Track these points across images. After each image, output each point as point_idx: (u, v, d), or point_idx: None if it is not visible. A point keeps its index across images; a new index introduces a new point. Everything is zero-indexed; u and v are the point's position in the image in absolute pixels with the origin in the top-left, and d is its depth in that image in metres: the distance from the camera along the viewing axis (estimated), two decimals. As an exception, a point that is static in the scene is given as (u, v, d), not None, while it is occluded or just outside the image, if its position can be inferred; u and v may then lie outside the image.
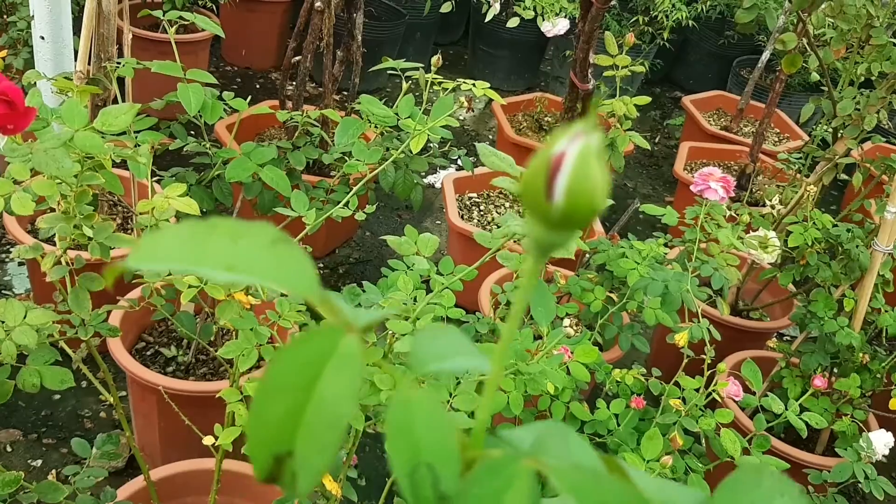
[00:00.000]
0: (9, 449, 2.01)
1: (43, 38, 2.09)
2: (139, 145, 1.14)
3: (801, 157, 2.43)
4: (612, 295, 1.77)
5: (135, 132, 1.35)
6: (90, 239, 0.97)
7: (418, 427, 0.29)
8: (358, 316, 0.30)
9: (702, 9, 3.60)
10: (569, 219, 0.29)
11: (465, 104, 1.37)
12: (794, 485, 0.31)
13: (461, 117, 3.90)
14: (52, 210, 1.14)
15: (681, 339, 1.42)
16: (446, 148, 1.89)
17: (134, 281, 1.21)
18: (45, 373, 1.00)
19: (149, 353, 1.97)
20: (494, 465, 0.28)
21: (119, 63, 1.70)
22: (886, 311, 2.00)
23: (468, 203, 2.82)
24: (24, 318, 0.97)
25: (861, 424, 1.90)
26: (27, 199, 0.85)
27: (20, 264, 2.54)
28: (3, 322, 0.96)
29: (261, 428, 0.27)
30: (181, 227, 0.29)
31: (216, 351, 1.93)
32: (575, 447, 0.30)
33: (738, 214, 1.83)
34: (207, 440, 1.19)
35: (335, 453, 0.28)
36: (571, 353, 1.36)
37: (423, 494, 0.28)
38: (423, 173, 2.01)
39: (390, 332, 0.99)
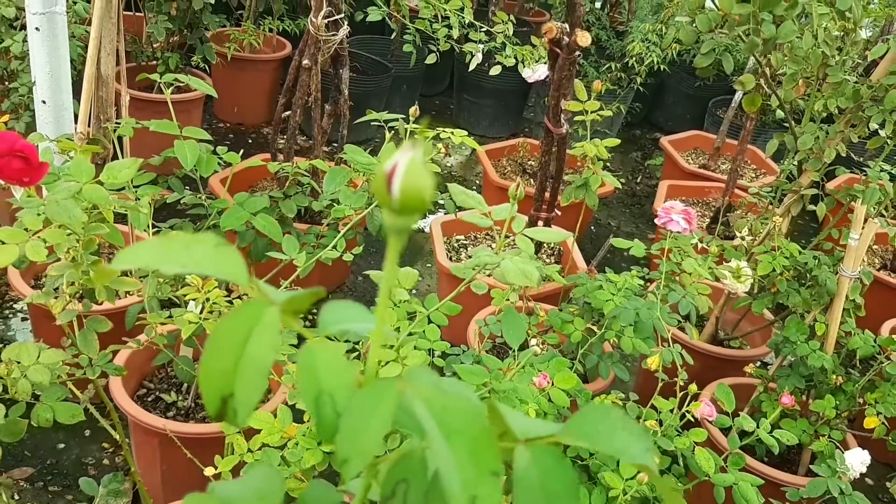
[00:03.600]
0: (16, 497, 2.07)
1: (44, 102, 2.20)
2: (139, 199, 1.23)
3: (771, 191, 2.54)
4: (592, 328, 1.86)
5: (135, 186, 1.44)
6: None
7: (320, 368, 0.40)
8: (279, 295, 0.40)
9: (673, 54, 3.75)
10: (406, 207, 0.41)
11: (444, 151, 1.47)
12: (635, 422, 0.40)
13: (449, 164, 4.02)
14: (58, 260, 1.23)
15: (653, 362, 1.50)
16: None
17: (138, 323, 1.30)
18: (57, 408, 1.08)
19: (150, 398, 2.04)
20: (375, 387, 0.38)
21: (118, 123, 1.81)
22: (857, 335, 2.08)
23: (456, 245, 2.92)
24: (38, 358, 1.05)
25: (839, 444, 1.97)
26: (40, 246, 0.94)
27: (23, 319, 2.62)
28: (18, 362, 1.05)
29: (209, 377, 0.38)
30: (152, 241, 0.39)
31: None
32: (446, 383, 0.40)
33: (707, 246, 1.93)
34: (208, 471, 1.26)
35: (262, 393, 0.38)
36: (552, 380, 1.44)
37: (324, 413, 0.39)
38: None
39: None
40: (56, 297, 1.07)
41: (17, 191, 0.95)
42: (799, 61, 1.84)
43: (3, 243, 0.91)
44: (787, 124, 2.23)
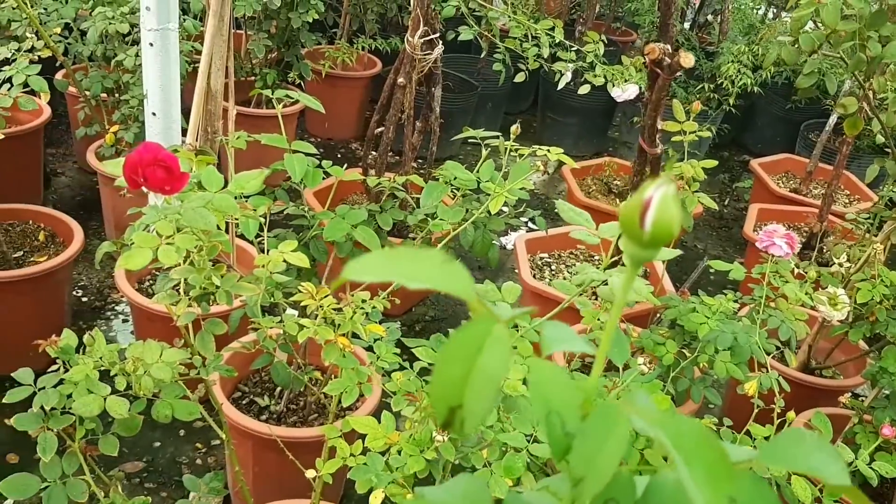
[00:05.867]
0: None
1: (154, 114, 2.31)
2: (256, 209, 1.29)
3: (869, 217, 2.47)
4: (683, 350, 1.84)
5: (245, 197, 1.51)
6: (217, 287, 1.12)
7: (548, 387, 0.41)
8: (502, 312, 0.42)
9: (766, 76, 3.69)
10: (655, 241, 0.43)
11: (542, 168, 1.50)
12: (830, 445, 0.41)
13: (532, 181, 4.04)
14: (165, 267, 1.30)
15: (750, 388, 1.48)
16: (521, 209, 2.01)
17: (250, 326, 1.35)
18: (175, 405, 1.14)
19: (244, 402, 2.11)
20: (604, 410, 0.40)
21: (225, 137, 1.89)
22: (960, 368, 2.01)
23: (540, 263, 2.93)
24: (161, 356, 1.11)
25: (938, 480, 1.90)
26: (171, 250, 0.99)
27: (124, 321, 2.74)
28: (142, 360, 1.11)
29: (439, 388, 0.39)
30: (376, 255, 0.41)
31: (307, 399, 2.06)
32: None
33: (805, 272, 1.89)
34: (309, 473, 1.30)
35: (492, 405, 0.40)
36: (644, 401, 1.43)
37: (555, 433, 0.40)
38: (498, 234, 2.13)
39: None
40: (178, 300, 1.13)
41: (157, 198, 1.01)
42: (906, 85, 1.80)
43: (139, 247, 0.98)
44: (887, 149, 2.18)
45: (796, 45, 1.76)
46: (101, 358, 1.12)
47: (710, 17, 4.86)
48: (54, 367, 1.18)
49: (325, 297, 1.19)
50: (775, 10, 4.79)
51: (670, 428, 0.37)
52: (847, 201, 3.67)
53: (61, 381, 1.15)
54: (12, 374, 1.19)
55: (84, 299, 2.81)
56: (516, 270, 2.81)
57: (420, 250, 0.42)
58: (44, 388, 1.14)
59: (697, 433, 0.37)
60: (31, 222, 2.60)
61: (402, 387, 1.16)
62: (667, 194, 0.42)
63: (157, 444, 2.32)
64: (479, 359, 0.40)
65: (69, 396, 1.12)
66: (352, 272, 0.40)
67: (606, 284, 1.10)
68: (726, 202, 4.16)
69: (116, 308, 2.80)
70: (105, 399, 1.10)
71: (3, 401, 1.13)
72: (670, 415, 0.38)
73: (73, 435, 1.19)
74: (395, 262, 0.41)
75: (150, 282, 2.51)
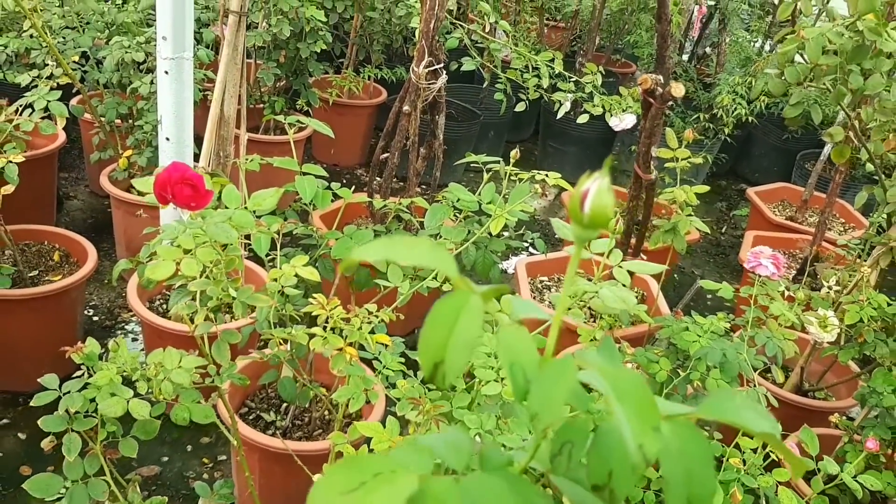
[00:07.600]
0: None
1: (168, 139, 2.40)
2: (270, 227, 1.37)
3: (860, 244, 2.55)
4: (678, 370, 1.91)
5: (257, 216, 1.59)
6: (233, 299, 1.19)
7: (513, 344, 0.50)
8: (479, 287, 0.50)
9: (762, 106, 3.79)
10: (593, 223, 0.52)
11: (541, 191, 1.58)
12: (759, 404, 0.49)
13: (534, 206, 4.12)
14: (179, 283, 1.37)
15: (738, 401, 1.55)
16: (521, 231, 2.09)
17: (260, 341, 1.42)
18: (193, 409, 1.21)
19: (251, 417, 2.17)
20: (558, 362, 0.47)
21: (237, 160, 1.97)
22: (947, 388, 2.07)
23: (540, 286, 3.00)
24: (180, 362, 1.18)
25: (925, 498, 1.95)
26: (193, 263, 1.07)
27: (134, 339, 2.81)
28: (162, 366, 1.18)
29: (426, 347, 0.48)
30: (379, 241, 0.50)
31: (312, 415, 2.13)
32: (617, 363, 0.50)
33: (794, 294, 1.96)
34: (316, 477, 1.37)
35: (467, 361, 0.48)
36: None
37: (517, 380, 0.48)
38: (499, 256, 2.21)
39: (478, 379, 1.17)
40: (194, 312, 1.21)
41: (182, 214, 1.10)
42: (888, 113, 1.89)
43: (163, 259, 1.05)
44: (876, 177, 2.26)
45: (783, 77, 1.85)
46: (123, 364, 1.19)
47: (708, 50, 4.97)
48: (78, 374, 1.25)
49: (335, 307, 1.26)
50: (772, 43, 4.91)
51: (609, 375, 0.45)
52: (842, 229, 3.75)
53: (85, 387, 1.22)
54: (39, 380, 1.26)
55: (95, 318, 2.88)
56: (517, 293, 2.88)
57: (415, 238, 0.50)
58: (69, 392, 1.21)
59: (632, 380, 0.45)
60: (46, 243, 2.68)
61: (406, 393, 1.23)
62: (601, 186, 0.50)
63: (166, 458, 2.38)
64: (457, 324, 0.48)
65: (93, 400, 1.19)
66: (359, 254, 0.49)
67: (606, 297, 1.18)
68: (723, 230, 4.24)
69: (126, 327, 2.87)
70: (128, 402, 1.17)
71: (32, 403, 1.20)
72: (612, 366, 0.46)
73: (94, 438, 1.26)
74: (393, 246, 0.49)
75: (161, 301, 2.58)
